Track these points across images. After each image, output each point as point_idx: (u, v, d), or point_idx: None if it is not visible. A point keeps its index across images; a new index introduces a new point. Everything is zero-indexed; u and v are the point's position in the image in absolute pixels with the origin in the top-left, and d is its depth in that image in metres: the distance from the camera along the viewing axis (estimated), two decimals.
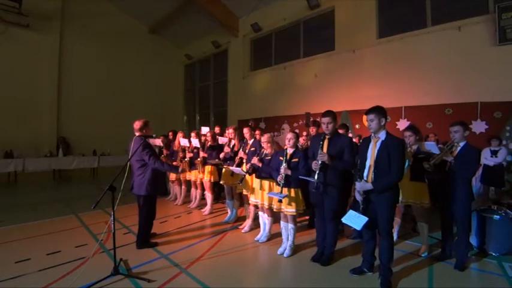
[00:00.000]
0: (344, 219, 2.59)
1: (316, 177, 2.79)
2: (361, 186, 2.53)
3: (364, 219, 2.46)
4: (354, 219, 2.51)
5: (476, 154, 2.90)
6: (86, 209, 4.90)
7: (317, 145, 2.87)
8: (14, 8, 8.59)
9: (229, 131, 4.51)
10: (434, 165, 2.93)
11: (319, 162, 2.76)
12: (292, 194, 3.16)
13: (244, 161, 3.99)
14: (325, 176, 2.84)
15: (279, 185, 3.14)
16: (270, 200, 3.33)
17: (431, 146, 3.05)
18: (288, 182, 3.12)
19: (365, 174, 2.58)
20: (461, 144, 2.93)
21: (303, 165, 3.07)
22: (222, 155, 4.51)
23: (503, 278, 2.70)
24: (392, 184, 2.50)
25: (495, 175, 4.81)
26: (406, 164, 3.10)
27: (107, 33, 11.09)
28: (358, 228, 2.49)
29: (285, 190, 3.13)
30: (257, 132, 4.43)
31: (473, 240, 3.31)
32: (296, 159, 3.16)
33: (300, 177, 2.98)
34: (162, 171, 3.55)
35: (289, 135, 3.24)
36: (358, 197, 2.58)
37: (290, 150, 3.24)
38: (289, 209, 3.16)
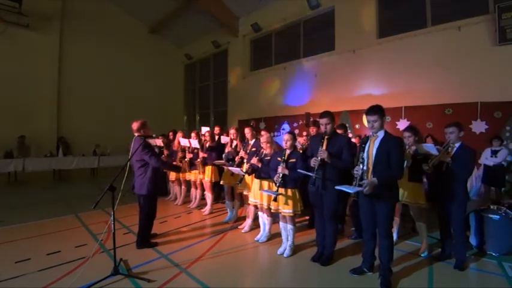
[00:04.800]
0: (338, 187, 2.60)
1: (314, 173, 2.79)
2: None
3: (359, 188, 2.49)
4: (349, 188, 2.54)
5: (472, 154, 2.91)
6: (86, 209, 4.90)
7: (316, 145, 2.89)
8: (14, 8, 8.59)
9: (232, 132, 4.51)
10: (433, 166, 2.94)
11: (319, 159, 2.76)
12: (289, 194, 3.16)
13: (245, 160, 3.99)
14: (324, 174, 2.84)
15: (275, 184, 3.14)
16: (269, 200, 3.32)
17: (429, 148, 3.06)
18: (284, 182, 3.12)
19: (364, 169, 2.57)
20: (457, 145, 2.95)
21: (300, 165, 3.06)
22: (224, 156, 4.51)
23: (503, 278, 2.70)
24: (393, 179, 2.51)
25: (495, 175, 4.81)
26: (405, 164, 3.10)
27: (107, 33, 11.10)
28: (351, 191, 2.53)
29: (281, 190, 3.13)
30: (262, 132, 4.41)
31: (472, 240, 3.32)
32: (293, 160, 3.15)
33: (298, 170, 2.99)
34: (163, 170, 3.55)
35: (286, 137, 3.23)
36: (357, 171, 2.52)
37: (288, 151, 3.23)
38: (286, 210, 3.16)
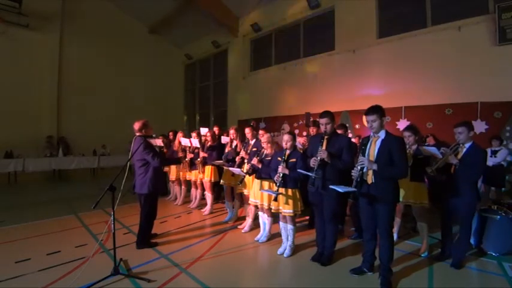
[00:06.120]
0: (332, 186, 2.60)
1: (314, 173, 2.79)
2: (369, 163, 2.47)
3: (352, 189, 2.50)
4: (342, 187, 2.53)
5: (483, 155, 2.83)
6: (86, 209, 4.90)
7: (316, 145, 2.88)
8: (14, 8, 8.59)
9: (231, 132, 4.51)
10: (437, 169, 2.90)
11: (318, 158, 2.76)
12: (290, 194, 3.15)
13: (246, 161, 3.98)
14: (324, 174, 2.84)
15: (276, 183, 3.14)
16: (269, 200, 3.32)
17: (433, 151, 3.03)
18: (284, 182, 3.12)
19: (364, 171, 2.57)
20: (467, 145, 2.88)
21: (300, 166, 3.06)
22: (224, 156, 4.52)
23: (503, 278, 2.70)
24: (397, 176, 2.51)
25: (495, 175, 4.80)
26: None
27: (107, 33, 11.10)
28: (342, 191, 2.50)
29: (282, 190, 3.13)
30: (261, 132, 4.42)
31: (471, 240, 3.32)
32: (293, 160, 3.15)
33: (298, 170, 2.99)
34: (162, 168, 3.56)
35: (286, 137, 3.21)
36: (355, 174, 2.53)
37: (288, 151, 3.23)
38: (287, 210, 3.16)
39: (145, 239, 3.45)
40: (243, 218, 4.36)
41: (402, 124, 6.50)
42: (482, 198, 4.86)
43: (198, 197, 5.41)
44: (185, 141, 5.18)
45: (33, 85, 9.50)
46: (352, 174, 2.56)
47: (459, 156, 2.89)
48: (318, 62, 8.47)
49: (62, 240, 3.68)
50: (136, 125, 3.41)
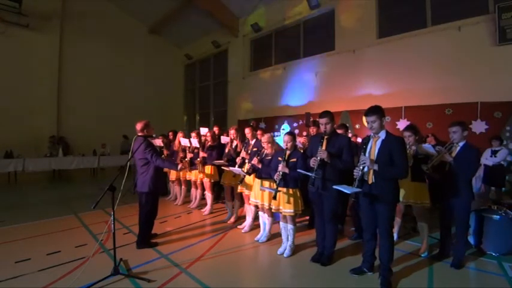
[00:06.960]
0: (335, 186, 2.60)
1: (314, 173, 2.79)
2: (370, 163, 2.47)
3: (357, 189, 2.49)
4: (347, 188, 2.53)
5: (476, 154, 2.90)
6: (86, 209, 4.90)
7: (316, 145, 2.89)
8: (14, 8, 8.60)
9: (232, 132, 4.51)
10: (432, 167, 2.93)
11: (318, 158, 2.76)
12: (290, 193, 3.15)
13: (247, 161, 3.98)
14: (324, 174, 2.84)
15: (276, 182, 3.13)
16: (270, 200, 3.32)
17: (428, 148, 3.07)
18: (285, 182, 3.12)
19: (365, 171, 2.57)
20: (461, 144, 2.94)
21: (301, 165, 3.06)
22: (224, 155, 4.52)
23: (503, 278, 2.70)
24: (397, 176, 2.52)
25: (495, 175, 4.80)
26: None
27: (107, 33, 11.11)
28: (348, 192, 2.50)
29: (282, 190, 3.13)
30: (259, 132, 4.42)
31: (471, 240, 3.33)
32: (294, 159, 3.15)
33: (298, 170, 2.99)
34: (163, 168, 3.62)
35: (286, 138, 3.21)
36: (357, 173, 2.53)
37: (288, 151, 3.22)
38: (287, 210, 3.16)
39: (146, 239, 3.45)
40: (243, 218, 4.36)
41: (402, 124, 6.50)
42: (483, 198, 4.88)
43: (198, 197, 5.40)
44: (185, 141, 5.19)
45: (33, 85, 9.50)
46: (355, 174, 2.56)
47: (453, 154, 2.94)
48: (318, 62, 8.47)
49: (62, 240, 3.68)
50: (139, 126, 3.44)
